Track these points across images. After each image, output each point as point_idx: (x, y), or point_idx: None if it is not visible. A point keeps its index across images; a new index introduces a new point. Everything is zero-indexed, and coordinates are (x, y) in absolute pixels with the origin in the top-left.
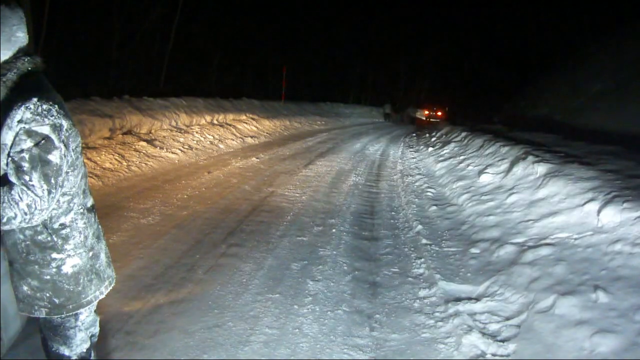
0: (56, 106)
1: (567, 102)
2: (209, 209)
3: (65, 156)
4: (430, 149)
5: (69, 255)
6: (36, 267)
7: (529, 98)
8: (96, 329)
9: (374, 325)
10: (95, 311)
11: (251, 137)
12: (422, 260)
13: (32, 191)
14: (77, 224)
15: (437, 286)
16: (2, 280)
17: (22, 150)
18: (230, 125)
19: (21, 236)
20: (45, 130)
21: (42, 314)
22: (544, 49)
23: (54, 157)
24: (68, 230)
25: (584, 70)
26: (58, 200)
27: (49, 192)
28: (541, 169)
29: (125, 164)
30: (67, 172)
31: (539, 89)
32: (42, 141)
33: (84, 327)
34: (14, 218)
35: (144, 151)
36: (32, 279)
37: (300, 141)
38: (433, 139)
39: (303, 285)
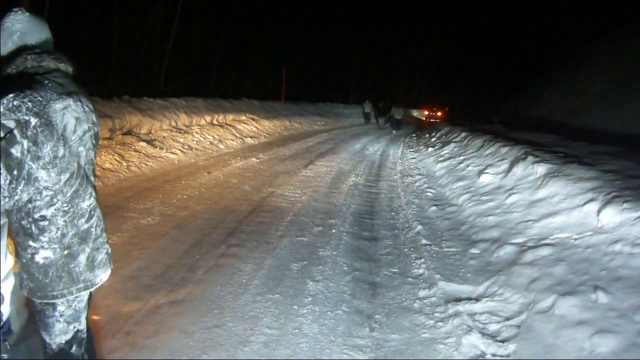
0: (29, 104)
1: (567, 102)
2: (208, 210)
3: (29, 151)
4: (430, 149)
5: (42, 247)
6: (19, 248)
7: (529, 98)
8: (81, 326)
9: (373, 326)
10: (83, 307)
11: (251, 137)
12: (422, 260)
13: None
14: (56, 219)
15: (437, 286)
16: (1, 281)
17: None
18: (230, 125)
19: (15, 217)
20: (11, 124)
21: (25, 292)
22: (544, 49)
23: (15, 150)
24: (46, 223)
25: (584, 70)
26: (40, 192)
27: (10, 182)
28: (541, 169)
29: (125, 164)
30: (43, 167)
31: (539, 89)
32: (8, 134)
33: (63, 319)
34: None
35: (143, 151)
36: (19, 258)
37: (300, 141)
38: (433, 140)
39: (303, 285)
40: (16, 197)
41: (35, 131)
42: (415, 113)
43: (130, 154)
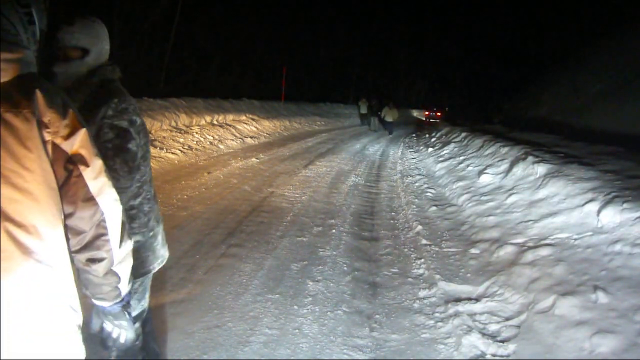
0: (131, 106)
1: (567, 102)
2: (208, 210)
3: (139, 146)
4: (430, 149)
5: (133, 233)
6: None
7: (529, 98)
8: (146, 303)
9: (373, 326)
10: (149, 284)
11: (251, 137)
12: (422, 260)
13: (117, 173)
14: (143, 207)
15: (437, 287)
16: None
17: (106, 141)
18: (230, 125)
19: None
20: (124, 124)
21: None
22: (544, 49)
23: (132, 145)
24: (135, 211)
25: (584, 70)
26: (130, 185)
27: (129, 172)
28: (541, 169)
29: None
30: (140, 161)
31: (539, 89)
32: (122, 133)
33: (135, 297)
34: None
35: None
36: None
37: (300, 141)
38: (433, 140)
39: (303, 285)
40: (133, 187)
41: (140, 129)
42: (415, 113)
43: None
